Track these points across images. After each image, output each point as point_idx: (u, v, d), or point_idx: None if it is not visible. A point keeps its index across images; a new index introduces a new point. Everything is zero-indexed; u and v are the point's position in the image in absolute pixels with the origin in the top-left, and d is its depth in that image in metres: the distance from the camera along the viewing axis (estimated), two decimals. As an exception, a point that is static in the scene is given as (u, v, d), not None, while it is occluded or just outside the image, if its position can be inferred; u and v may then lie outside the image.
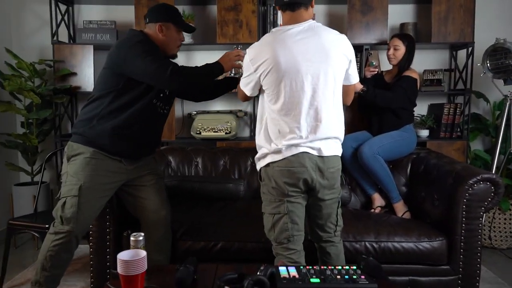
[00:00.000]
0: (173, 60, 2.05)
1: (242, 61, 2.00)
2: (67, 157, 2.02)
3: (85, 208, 1.96)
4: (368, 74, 2.86)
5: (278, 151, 1.78)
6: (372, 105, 2.76)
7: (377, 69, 2.89)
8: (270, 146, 1.81)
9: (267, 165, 1.82)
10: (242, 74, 1.92)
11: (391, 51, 2.79)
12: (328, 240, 1.94)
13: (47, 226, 2.33)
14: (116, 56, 1.96)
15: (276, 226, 1.83)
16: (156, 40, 2.04)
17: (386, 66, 3.06)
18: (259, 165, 1.88)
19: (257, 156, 1.90)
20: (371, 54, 2.95)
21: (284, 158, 1.77)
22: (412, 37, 2.86)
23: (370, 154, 2.57)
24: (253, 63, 1.78)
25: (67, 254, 2.01)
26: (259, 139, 1.88)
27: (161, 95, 2.07)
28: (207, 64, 2.02)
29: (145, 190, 2.16)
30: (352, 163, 2.71)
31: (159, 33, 2.04)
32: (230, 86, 2.33)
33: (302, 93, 1.75)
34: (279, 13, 1.91)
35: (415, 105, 2.83)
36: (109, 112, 1.97)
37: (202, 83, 2.08)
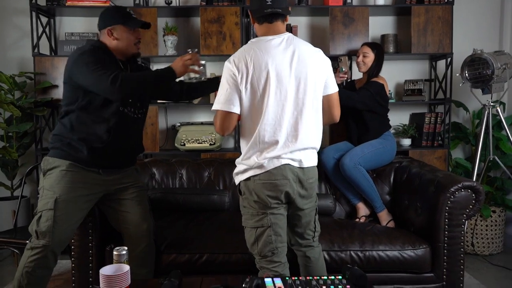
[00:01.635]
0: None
1: (196, 65, 1.99)
2: (43, 171, 2.00)
3: (61, 221, 1.91)
4: (338, 80, 2.85)
5: (260, 166, 1.77)
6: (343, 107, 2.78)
7: (346, 75, 2.93)
8: (251, 161, 1.79)
9: (248, 178, 1.81)
10: (197, 79, 1.93)
11: (360, 58, 2.85)
12: (307, 245, 1.96)
13: (27, 242, 2.26)
14: (66, 69, 1.98)
15: (259, 240, 1.82)
16: (110, 46, 2.03)
17: (357, 75, 3.12)
18: (238, 179, 1.87)
19: (236, 171, 1.88)
20: (341, 60, 2.99)
21: (267, 171, 1.77)
22: (381, 46, 2.95)
23: (351, 165, 2.60)
24: (237, 70, 1.74)
25: (44, 271, 1.95)
26: (244, 157, 1.83)
27: (130, 100, 2.05)
28: (156, 70, 2.00)
29: (127, 204, 2.12)
30: (335, 173, 2.73)
31: (110, 38, 2.03)
32: (207, 89, 2.33)
33: (285, 102, 1.76)
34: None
35: (387, 110, 2.87)
36: (79, 125, 1.97)
37: (150, 89, 2.03)
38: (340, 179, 2.72)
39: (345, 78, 2.94)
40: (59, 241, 1.94)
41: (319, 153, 2.61)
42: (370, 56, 2.83)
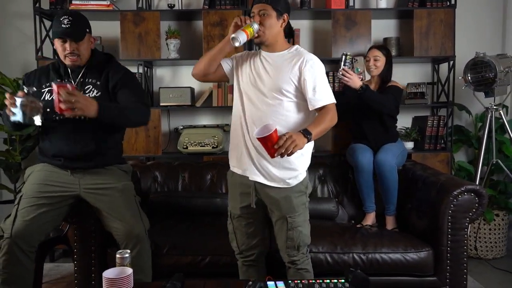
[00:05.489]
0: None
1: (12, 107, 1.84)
2: (24, 179, 2.15)
3: (21, 214, 1.95)
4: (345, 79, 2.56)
5: None
6: (358, 109, 2.72)
7: (361, 76, 2.70)
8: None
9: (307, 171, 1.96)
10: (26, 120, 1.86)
11: (372, 61, 2.76)
12: None
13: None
14: None
15: None
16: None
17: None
18: (302, 176, 1.92)
19: (301, 166, 1.90)
20: (356, 60, 2.75)
21: None
22: (388, 49, 2.90)
23: (393, 164, 2.56)
24: None
25: (17, 268, 1.90)
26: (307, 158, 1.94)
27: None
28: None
29: (110, 207, 2.07)
30: (369, 174, 2.63)
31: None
32: None
33: None
34: None
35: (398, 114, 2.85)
36: (39, 135, 2.17)
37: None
38: (367, 182, 2.63)
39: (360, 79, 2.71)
40: (22, 235, 1.90)
41: (353, 153, 2.63)
42: (382, 60, 2.77)
